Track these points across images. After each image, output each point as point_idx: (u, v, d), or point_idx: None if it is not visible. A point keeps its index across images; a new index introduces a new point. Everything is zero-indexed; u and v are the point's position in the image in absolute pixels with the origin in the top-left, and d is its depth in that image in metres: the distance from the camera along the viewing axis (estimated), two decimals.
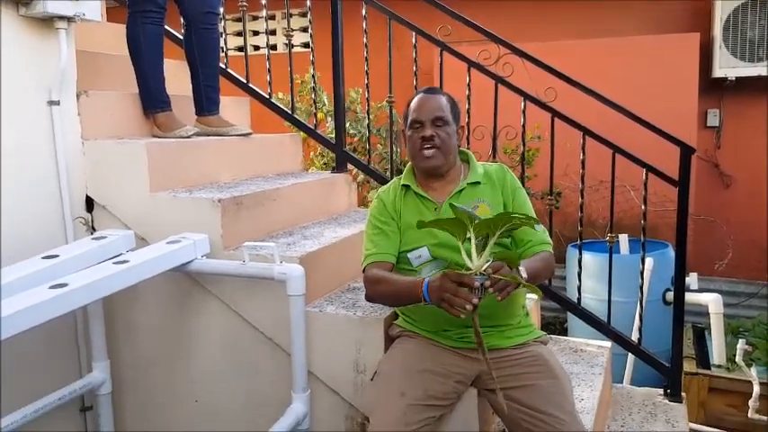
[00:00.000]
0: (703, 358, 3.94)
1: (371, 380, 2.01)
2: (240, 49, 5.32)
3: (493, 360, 1.87)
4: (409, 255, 1.93)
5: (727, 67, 5.01)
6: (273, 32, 5.87)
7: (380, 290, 1.90)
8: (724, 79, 5.10)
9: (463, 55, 2.83)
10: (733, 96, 5.35)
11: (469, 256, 1.61)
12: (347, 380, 2.13)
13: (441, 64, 2.88)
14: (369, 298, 1.97)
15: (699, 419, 3.42)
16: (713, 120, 5.54)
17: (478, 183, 1.97)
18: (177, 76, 2.86)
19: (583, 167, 2.77)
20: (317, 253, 2.27)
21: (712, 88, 5.32)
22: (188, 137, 2.62)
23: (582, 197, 2.81)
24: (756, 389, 3.28)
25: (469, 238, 1.60)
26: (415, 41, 2.92)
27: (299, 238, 2.46)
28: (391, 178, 2.99)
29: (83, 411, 2.46)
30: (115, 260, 1.97)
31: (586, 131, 2.70)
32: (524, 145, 2.89)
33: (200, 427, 2.40)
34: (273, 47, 5.24)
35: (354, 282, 2.45)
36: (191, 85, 2.83)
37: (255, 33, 6.01)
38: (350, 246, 2.43)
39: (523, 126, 2.81)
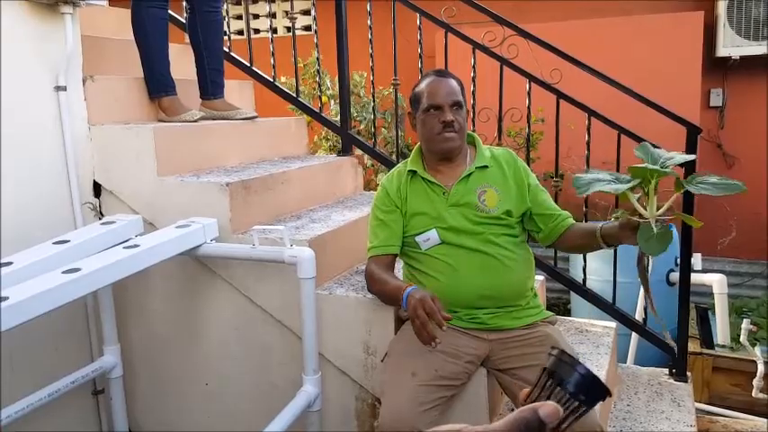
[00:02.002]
0: (707, 338, 3.96)
1: (382, 361, 2.03)
2: (240, 32, 5.34)
3: (502, 340, 1.91)
4: (417, 238, 1.95)
5: (732, 45, 4.97)
6: (274, 15, 5.84)
7: (374, 289, 2.00)
8: (728, 58, 5.07)
9: (468, 37, 2.82)
10: (737, 76, 5.32)
11: (644, 206, 1.57)
12: (357, 361, 2.15)
13: (446, 46, 2.87)
14: (369, 290, 2.05)
15: (703, 399, 3.44)
16: (716, 100, 5.52)
17: (486, 166, 1.98)
18: (181, 61, 2.85)
19: (588, 149, 2.77)
20: (325, 236, 2.28)
21: (716, 67, 5.29)
22: (194, 121, 2.62)
23: None
24: (761, 368, 3.30)
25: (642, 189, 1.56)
26: (420, 23, 2.91)
27: (306, 222, 2.46)
28: (397, 161, 3.01)
29: (95, 395, 2.49)
30: (125, 245, 1.97)
31: (592, 112, 2.70)
32: (529, 127, 2.88)
33: (211, 409, 2.43)
34: (275, 30, 5.22)
35: (362, 264, 2.45)
36: (195, 69, 2.82)
37: (256, 17, 5.98)
38: (357, 228, 2.44)
39: (528, 108, 2.80)
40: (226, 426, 2.41)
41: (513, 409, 2.14)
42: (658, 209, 1.56)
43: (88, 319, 2.43)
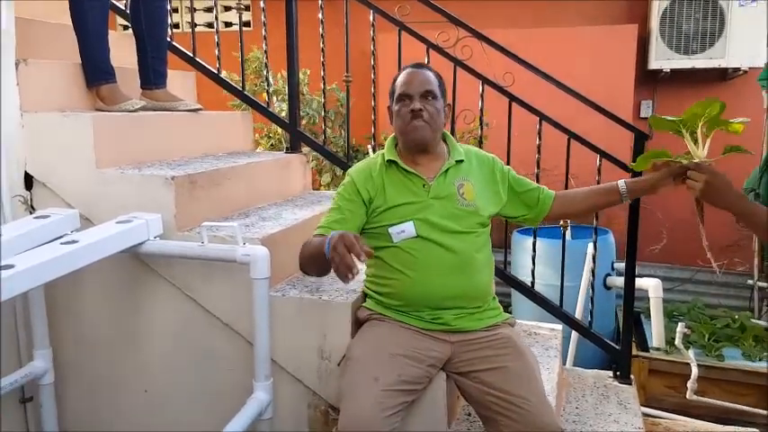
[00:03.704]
0: (642, 341, 4.08)
1: (338, 365, 1.96)
2: (176, 26, 5.15)
3: (464, 342, 1.88)
4: (391, 229, 1.88)
5: (663, 59, 5.17)
6: (228, 9, 5.67)
7: (302, 253, 1.88)
8: (659, 71, 5.27)
9: (422, 36, 2.78)
10: (666, 88, 5.55)
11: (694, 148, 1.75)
12: (311, 367, 2.06)
13: (399, 44, 2.81)
14: (301, 268, 1.94)
15: (640, 401, 3.53)
16: (646, 111, 5.73)
17: (462, 161, 1.96)
18: (122, 48, 2.68)
19: (539, 152, 2.78)
20: (277, 235, 2.18)
21: (647, 79, 5.49)
22: (134, 111, 2.46)
23: (537, 182, 2.82)
24: (695, 370, 3.41)
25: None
26: (373, 20, 2.85)
27: (256, 220, 2.36)
28: (347, 160, 2.94)
29: (23, 403, 2.29)
30: (62, 241, 1.82)
31: (543, 117, 2.71)
32: (482, 129, 2.87)
33: (152, 418, 2.27)
34: (210, 25, 5.04)
35: None
36: (136, 57, 2.66)
37: (209, 10, 5.76)
38: (310, 228, 2.31)
39: (481, 110, 2.79)
40: None
41: (470, 414, 2.12)
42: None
43: (16, 320, 2.23)
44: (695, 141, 1.71)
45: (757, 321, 4.52)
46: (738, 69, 5.08)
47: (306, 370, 2.07)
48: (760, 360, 3.96)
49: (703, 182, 1.69)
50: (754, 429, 2.79)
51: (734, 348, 4.01)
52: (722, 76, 5.32)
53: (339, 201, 1.95)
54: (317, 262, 1.81)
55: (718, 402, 3.33)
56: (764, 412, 3.55)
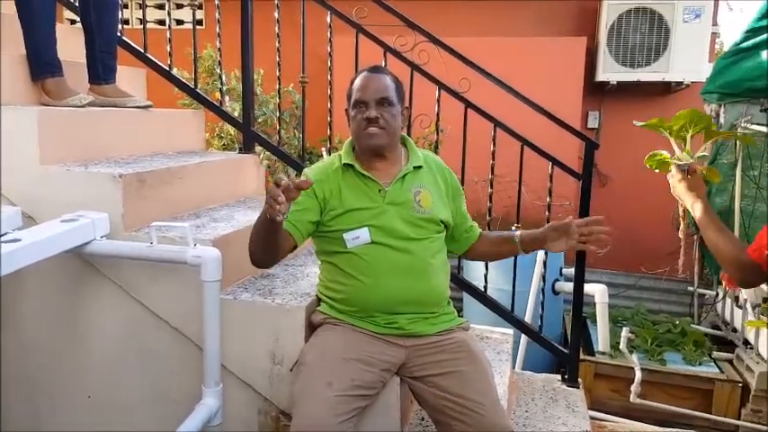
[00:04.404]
0: (587, 345, 4.16)
1: (291, 370, 1.92)
2: (126, 22, 5.00)
3: (418, 347, 1.87)
4: (345, 235, 1.86)
5: (610, 71, 5.31)
6: (180, 6, 5.55)
7: (252, 234, 1.84)
8: (606, 83, 5.41)
9: (380, 39, 2.77)
10: (612, 100, 5.70)
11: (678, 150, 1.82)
12: (262, 372, 2.02)
13: (356, 47, 2.80)
14: (251, 256, 1.89)
15: (586, 404, 3.60)
16: (593, 122, 5.87)
17: (420, 167, 1.96)
18: (69, 41, 2.59)
19: (493, 158, 2.81)
20: (229, 236, 2.13)
21: (595, 91, 5.63)
22: (81, 106, 2.37)
23: (491, 187, 2.86)
24: (638, 374, 3.50)
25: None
26: (331, 21, 2.82)
27: (207, 221, 2.30)
28: (302, 162, 2.90)
29: None
30: (4, 239, 1.73)
31: (497, 123, 2.74)
32: (438, 134, 2.88)
33: (95, 425, 2.19)
34: (161, 22, 4.94)
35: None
36: (84, 51, 2.56)
37: (161, 7, 5.65)
38: None
39: (437, 115, 2.80)
40: None
41: (423, 419, 2.12)
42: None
43: None
44: (684, 142, 1.83)
45: (697, 327, 4.68)
46: (681, 83, 5.26)
47: (257, 375, 2.03)
48: (699, 364, 4.10)
49: (676, 179, 1.80)
50: None
51: (675, 353, 4.14)
52: (666, 89, 5.50)
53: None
54: (263, 234, 1.79)
55: (661, 405, 3.43)
56: (704, 415, 3.67)
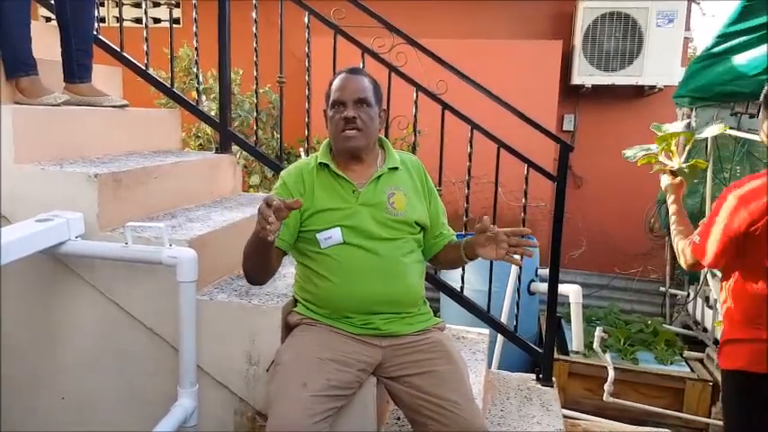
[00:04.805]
0: (561, 345, 4.21)
1: (267, 370, 1.92)
2: (102, 20, 4.95)
3: (395, 347, 1.89)
4: (318, 235, 1.87)
5: (585, 74, 5.38)
6: (157, 5, 5.49)
7: (244, 253, 1.86)
8: (581, 86, 5.48)
9: (357, 40, 2.78)
10: (587, 103, 5.77)
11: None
12: (238, 373, 2.02)
13: (334, 48, 2.81)
14: (245, 274, 1.93)
15: (560, 403, 3.65)
16: (569, 124, 5.95)
17: (396, 168, 1.96)
18: (44, 39, 2.55)
19: (470, 160, 2.83)
20: (205, 236, 2.12)
21: (570, 94, 5.70)
22: (57, 105, 2.34)
23: (467, 189, 2.88)
24: (611, 373, 3.56)
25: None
26: (308, 22, 2.83)
27: (183, 221, 2.29)
28: (279, 162, 2.90)
29: None
30: None
31: (474, 125, 2.76)
32: (416, 135, 2.90)
33: (70, 425, 2.16)
34: (138, 20, 4.89)
35: None
36: (59, 49, 2.53)
37: (137, 5, 5.58)
38: (239, 230, 2.29)
39: (415, 116, 2.82)
40: None
41: (399, 418, 2.13)
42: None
43: None
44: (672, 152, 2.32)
45: (669, 327, 4.76)
46: (654, 87, 5.35)
47: (233, 376, 2.03)
48: (671, 364, 4.17)
49: (668, 180, 2.32)
50: (666, 430, 2.93)
51: (647, 352, 4.21)
52: (639, 92, 5.59)
53: None
54: (257, 250, 1.81)
55: (633, 404, 3.49)
56: (675, 413, 3.73)
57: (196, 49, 2.97)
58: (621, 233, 5.48)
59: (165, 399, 1.98)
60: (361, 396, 1.90)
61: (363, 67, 2.78)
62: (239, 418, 2.07)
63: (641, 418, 3.41)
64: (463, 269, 2.91)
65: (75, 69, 2.53)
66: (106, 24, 5.39)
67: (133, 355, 2.11)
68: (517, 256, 1.83)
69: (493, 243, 1.85)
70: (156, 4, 5.54)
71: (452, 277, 3.01)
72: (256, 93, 2.97)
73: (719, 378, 4.01)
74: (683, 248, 2.09)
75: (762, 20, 3.42)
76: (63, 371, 2.17)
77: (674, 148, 2.32)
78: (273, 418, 1.67)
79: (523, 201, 2.88)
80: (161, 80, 2.96)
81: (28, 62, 2.36)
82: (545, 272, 3.39)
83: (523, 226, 2.96)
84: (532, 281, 4.32)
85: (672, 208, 2.29)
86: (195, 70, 3.02)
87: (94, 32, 2.72)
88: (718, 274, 4.69)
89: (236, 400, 2.06)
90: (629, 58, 5.29)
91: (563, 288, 4.03)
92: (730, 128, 4.51)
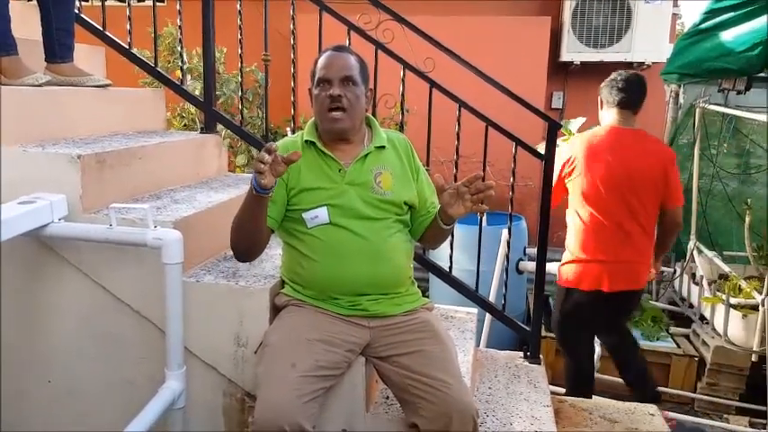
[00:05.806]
0: (549, 323, 4.23)
1: (255, 352, 1.92)
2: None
3: (383, 327, 1.89)
4: (305, 214, 1.86)
5: (574, 51, 5.36)
6: None
7: (234, 224, 1.84)
8: (570, 63, 5.46)
9: (343, 17, 2.74)
10: (576, 80, 5.75)
11: None
12: (226, 354, 2.02)
13: (320, 25, 2.76)
14: (233, 248, 1.90)
15: (548, 380, 3.67)
16: (557, 102, 5.93)
17: (383, 147, 1.94)
18: (24, 18, 2.50)
19: (458, 139, 2.81)
20: (191, 218, 2.10)
21: (559, 71, 5.68)
22: (38, 85, 2.30)
23: (456, 168, 2.87)
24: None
25: None
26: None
27: (168, 202, 2.27)
28: (265, 142, 2.87)
29: None
30: None
31: (462, 104, 2.74)
32: (403, 115, 2.88)
33: (57, 409, 2.16)
34: None
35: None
36: (40, 29, 2.48)
37: None
38: (226, 211, 2.25)
39: (402, 95, 2.79)
40: (77, 427, 2.15)
41: (388, 398, 2.14)
42: None
43: None
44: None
45: (655, 303, 4.81)
46: (643, 63, 5.34)
47: (221, 357, 2.03)
48: (657, 340, 4.22)
49: None
50: (652, 405, 2.96)
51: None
52: (628, 69, 5.55)
53: None
54: (246, 214, 1.80)
55: (619, 380, 3.51)
56: (661, 389, 3.78)
57: (180, 27, 2.92)
58: None
59: (154, 382, 1.98)
60: (350, 376, 1.91)
61: (349, 44, 2.75)
62: (228, 399, 2.07)
63: (627, 394, 3.44)
64: (451, 248, 2.91)
65: (57, 49, 2.48)
66: (88, 3, 5.27)
67: (120, 337, 2.10)
68: (484, 206, 1.77)
69: (458, 199, 1.79)
70: None
71: (441, 257, 3.01)
72: (241, 71, 2.93)
73: (705, 353, 4.08)
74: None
75: None
76: (49, 355, 2.16)
77: None
78: (262, 399, 1.67)
79: (511, 180, 2.87)
80: (145, 59, 2.90)
81: (8, 42, 2.31)
82: (533, 251, 3.39)
83: (511, 205, 2.97)
84: (521, 260, 4.33)
85: None
86: (179, 49, 2.98)
87: (76, 11, 2.67)
88: (705, 250, 4.74)
89: (225, 381, 2.06)
90: (617, 35, 5.27)
91: (551, 267, 4.04)
92: (716, 104, 4.53)
